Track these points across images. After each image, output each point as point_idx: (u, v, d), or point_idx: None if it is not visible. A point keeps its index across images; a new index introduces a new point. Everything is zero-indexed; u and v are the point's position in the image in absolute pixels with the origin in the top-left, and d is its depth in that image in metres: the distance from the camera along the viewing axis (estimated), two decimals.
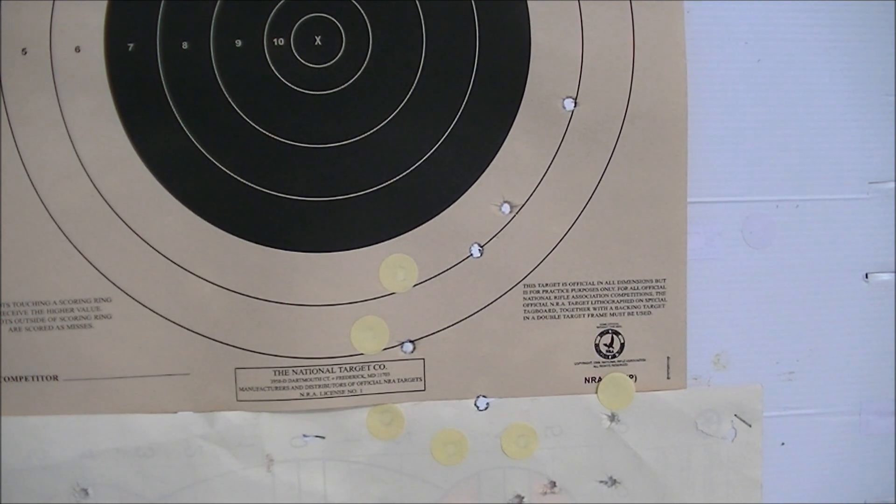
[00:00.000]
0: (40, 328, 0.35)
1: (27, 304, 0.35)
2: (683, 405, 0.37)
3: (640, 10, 0.35)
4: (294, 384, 0.36)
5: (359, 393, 0.37)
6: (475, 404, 0.37)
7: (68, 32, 0.34)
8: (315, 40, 0.34)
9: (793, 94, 0.37)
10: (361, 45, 0.34)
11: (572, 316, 0.37)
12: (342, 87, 0.35)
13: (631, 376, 0.37)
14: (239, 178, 0.35)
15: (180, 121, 0.35)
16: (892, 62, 0.37)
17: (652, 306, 0.37)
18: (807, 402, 0.39)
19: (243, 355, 0.36)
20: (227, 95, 0.35)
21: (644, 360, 0.37)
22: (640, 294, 0.37)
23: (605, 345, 0.37)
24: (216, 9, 0.34)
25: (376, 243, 0.36)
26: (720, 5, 0.36)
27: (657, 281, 0.37)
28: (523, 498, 0.38)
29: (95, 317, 0.35)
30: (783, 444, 0.39)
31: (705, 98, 0.36)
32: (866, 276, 0.38)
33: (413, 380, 0.37)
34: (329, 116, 0.35)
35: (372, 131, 0.35)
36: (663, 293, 0.37)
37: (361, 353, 0.36)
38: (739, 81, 0.36)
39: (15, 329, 0.35)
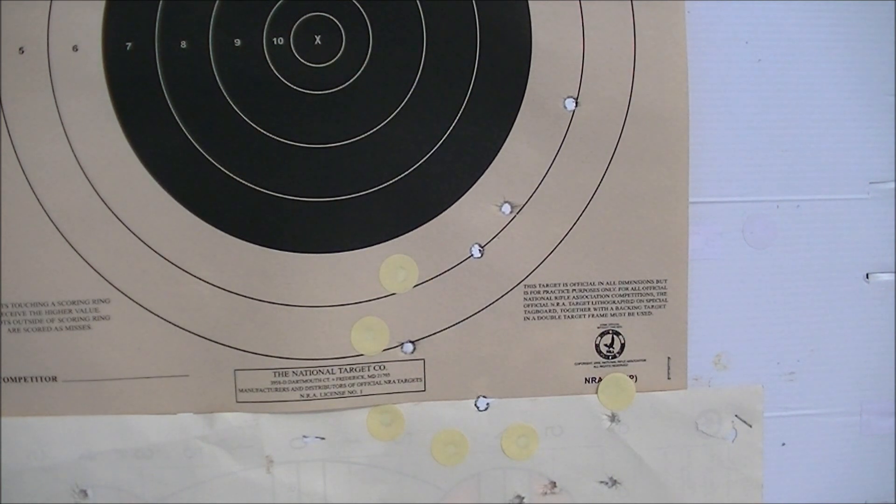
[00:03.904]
0: (39, 329, 0.35)
1: (25, 304, 0.35)
2: (684, 405, 0.37)
3: (641, 10, 0.35)
4: (294, 385, 0.36)
5: (359, 394, 0.36)
6: (475, 405, 0.37)
7: (66, 31, 0.34)
8: (315, 40, 0.34)
9: (793, 94, 0.37)
10: (361, 44, 0.34)
11: (573, 316, 0.37)
12: (342, 86, 0.35)
13: (631, 377, 0.37)
14: (238, 179, 0.35)
15: (179, 121, 0.34)
16: (892, 62, 0.37)
17: (653, 307, 0.37)
18: (807, 402, 0.39)
19: (243, 356, 0.36)
20: (225, 95, 0.34)
21: (644, 360, 0.37)
22: (641, 294, 0.37)
23: (606, 345, 0.37)
24: (215, 8, 0.34)
25: (376, 244, 0.36)
26: (721, 5, 0.35)
27: (658, 281, 0.37)
28: (524, 498, 0.38)
29: (94, 318, 0.35)
30: (784, 444, 0.39)
31: (706, 98, 0.36)
32: (867, 277, 0.38)
33: (413, 380, 0.37)
34: (329, 116, 0.35)
35: (372, 131, 0.35)
36: (664, 293, 0.37)
37: (361, 354, 0.36)
38: (740, 81, 0.36)
39: (14, 330, 0.35)
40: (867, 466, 0.39)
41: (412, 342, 0.36)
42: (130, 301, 0.35)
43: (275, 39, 0.34)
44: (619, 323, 0.37)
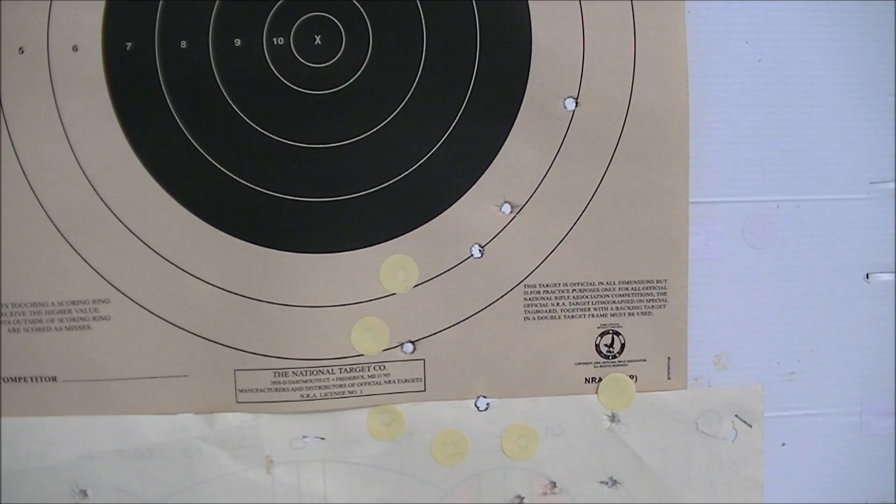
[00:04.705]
0: (39, 329, 0.35)
1: (25, 305, 0.35)
2: (684, 405, 0.37)
3: (642, 10, 0.35)
4: (294, 385, 0.36)
5: (359, 394, 0.36)
6: (475, 405, 0.37)
7: (66, 31, 0.34)
8: (315, 40, 0.34)
9: (793, 94, 0.37)
10: (361, 44, 0.34)
11: (573, 316, 0.37)
12: (342, 86, 0.35)
13: (631, 377, 0.37)
14: (238, 179, 0.35)
15: (178, 121, 0.34)
16: (892, 62, 0.37)
17: (653, 307, 0.37)
18: (807, 402, 0.39)
19: (243, 357, 0.36)
20: (225, 95, 0.34)
21: (644, 360, 0.37)
22: (641, 294, 0.37)
23: (606, 345, 0.37)
24: (215, 7, 0.34)
25: (377, 244, 0.36)
26: (721, 5, 0.35)
27: (658, 281, 0.37)
28: (524, 498, 0.38)
29: (94, 318, 0.35)
30: (784, 444, 0.39)
31: (706, 98, 0.36)
32: (867, 277, 0.38)
33: (413, 380, 0.37)
34: (329, 116, 0.35)
35: (372, 131, 0.35)
36: (664, 293, 0.37)
37: (361, 354, 0.36)
38: (740, 81, 0.36)
39: (14, 330, 0.35)
40: (867, 466, 0.39)
41: (412, 342, 0.36)
42: (130, 301, 0.35)
43: (275, 39, 0.34)
44: (620, 323, 0.37)
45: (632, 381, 0.37)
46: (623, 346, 0.37)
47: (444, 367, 0.37)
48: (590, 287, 0.37)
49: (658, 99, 0.35)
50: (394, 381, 0.37)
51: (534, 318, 0.37)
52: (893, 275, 0.38)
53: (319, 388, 0.36)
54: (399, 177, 0.35)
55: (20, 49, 0.33)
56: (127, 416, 0.36)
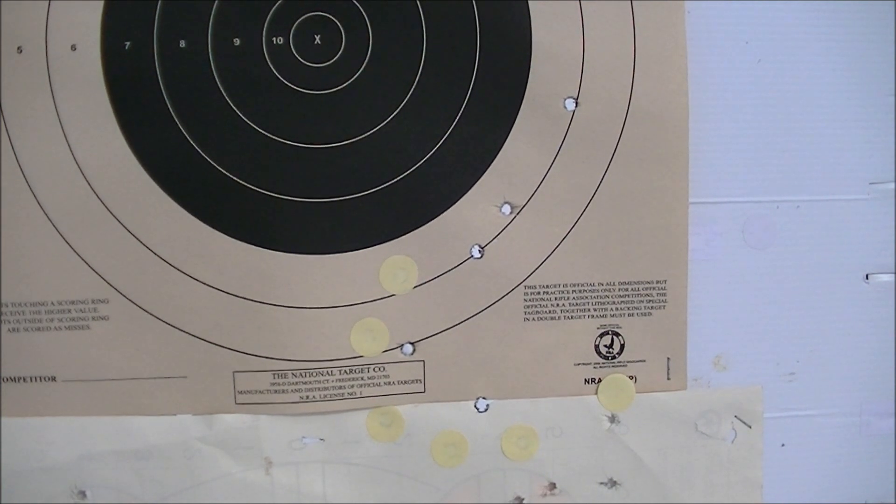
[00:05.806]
0: (38, 329, 0.35)
1: (25, 304, 0.35)
2: (684, 406, 0.37)
3: (641, 10, 0.35)
4: (293, 387, 0.36)
5: (358, 395, 0.36)
6: (475, 406, 0.37)
7: (64, 30, 0.33)
8: (314, 39, 0.34)
9: (793, 94, 0.36)
10: (361, 44, 0.34)
11: (572, 317, 0.37)
12: (342, 86, 0.35)
13: (631, 377, 0.37)
14: (237, 179, 0.35)
15: (177, 121, 0.34)
16: (892, 62, 0.37)
17: (652, 307, 0.37)
18: (807, 403, 0.39)
19: (242, 358, 0.36)
20: (224, 95, 0.34)
21: (644, 361, 0.37)
22: (641, 295, 0.37)
23: (606, 346, 0.37)
24: (214, 7, 0.34)
25: (376, 244, 0.36)
26: (721, 5, 0.35)
27: (658, 282, 0.37)
28: (523, 499, 0.38)
29: (93, 318, 0.35)
30: (783, 445, 0.39)
31: (706, 98, 0.36)
32: (867, 277, 0.38)
33: (413, 382, 0.37)
34: (329, 116, 0.35)
35: (372, 131, 0.35)
36: (664, 294, 0.37)
37: (361, 356, 0.36)
38: (740, 81, 0.36)
39: (13, 329, 0.35)
40: (867, 466, 0.39)
41: (412, 343, 0.36)
42: (129, 302, 0.35)
43: (274, 39, 0.34)
44: (619, 324, 0.37)
45: (631, 382, 0.37)
46: (623, 346, 0.37)
47: (444, 369, 0.37)
48: (589, 288, 0.37)
49: (658, 99, 0.35)
50: (393, 383, 0.37)
51: (533, 319, 0.37)
52: (893, 275, 0.38)
53: (319, 389, 0.36)
54: (399, 177, 0.35)
55: (18, 48, 0.33)
56: (126, 417, 0.36)
